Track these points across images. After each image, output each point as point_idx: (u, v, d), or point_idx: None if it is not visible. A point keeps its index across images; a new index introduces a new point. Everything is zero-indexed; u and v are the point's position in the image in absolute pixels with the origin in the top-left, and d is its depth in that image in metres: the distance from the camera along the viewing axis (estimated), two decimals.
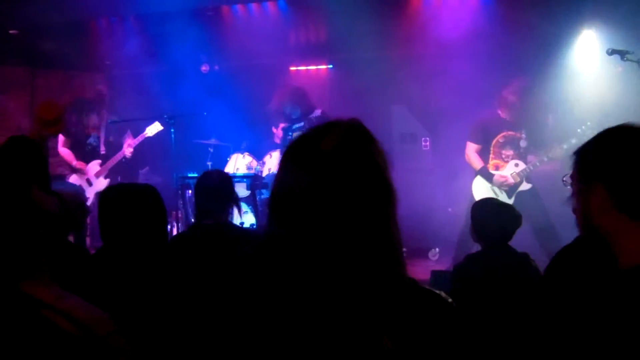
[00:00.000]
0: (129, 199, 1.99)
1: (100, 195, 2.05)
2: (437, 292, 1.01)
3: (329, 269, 0.96)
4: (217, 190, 2.71)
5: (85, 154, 5.33)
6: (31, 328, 1.04)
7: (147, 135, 5.33)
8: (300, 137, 1.06)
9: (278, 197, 1.03)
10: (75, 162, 5.26)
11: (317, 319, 0.94)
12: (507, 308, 2.22)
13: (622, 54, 3.90)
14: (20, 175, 1.21)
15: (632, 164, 1.18)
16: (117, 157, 5.28)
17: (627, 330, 0.99)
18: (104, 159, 5.33)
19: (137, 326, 1.69)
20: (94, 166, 5.30)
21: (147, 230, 1.97)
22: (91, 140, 5.37)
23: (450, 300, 1.00)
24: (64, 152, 5.28)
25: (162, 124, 5.26)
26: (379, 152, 1.06)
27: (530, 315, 1.20)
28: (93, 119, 5.35)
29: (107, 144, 5.38)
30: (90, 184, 5.25)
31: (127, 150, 5.30)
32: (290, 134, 5.43)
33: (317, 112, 5.42)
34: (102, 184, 5.25)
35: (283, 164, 1.05)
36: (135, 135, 5.41)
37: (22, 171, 1.19)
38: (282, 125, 5.83)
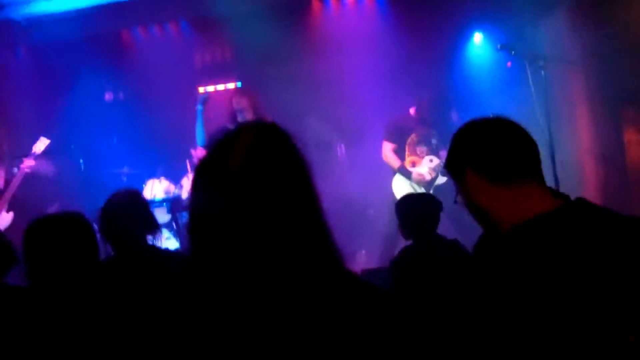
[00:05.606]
0: (59, 231, 1.87)
1: (26, 231, 1.91)
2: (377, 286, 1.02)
3: (265, 280, 0.96)
4: (128, 210, 2.41)
5: None
6: None
7: (37, 153, 4.87)
8: (206, 158, 1.05)
9: (195, 221, 1.02)
10: None
11: (257, 332, 0.94)
12: (446, 295, 2.32)
13: (509, 49, 4.23)
14: None
15: (484, 137, 1.27)
16: (14, 186, 4.78)
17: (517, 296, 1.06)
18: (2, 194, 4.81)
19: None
20: None
21: (78, 264, 1.86)
22: None
23: (390, 292, 1.03)
24: None
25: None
26: (291, 156, 1.06)
27: (464, 300, 1.25)
28: None
29: (9, 179, 4.89)
30: None
31: (19, 175, 4.77)
32: None
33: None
34: (4, 219, 4.78)
35: (194, 187, 1.04)
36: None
37: None
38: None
